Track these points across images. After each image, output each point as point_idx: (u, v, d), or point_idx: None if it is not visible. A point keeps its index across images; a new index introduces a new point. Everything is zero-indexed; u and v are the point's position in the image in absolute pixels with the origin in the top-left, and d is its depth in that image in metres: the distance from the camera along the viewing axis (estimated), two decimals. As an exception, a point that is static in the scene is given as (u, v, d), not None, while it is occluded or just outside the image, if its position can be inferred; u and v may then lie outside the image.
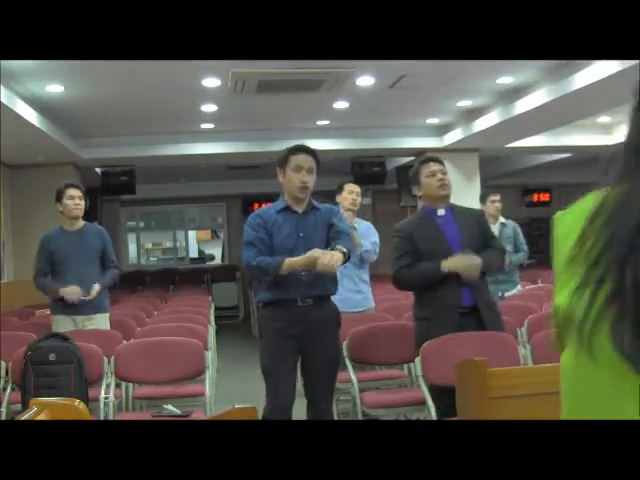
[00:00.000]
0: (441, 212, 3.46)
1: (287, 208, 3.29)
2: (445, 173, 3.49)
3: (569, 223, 0.85)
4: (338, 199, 4.78)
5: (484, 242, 3.46)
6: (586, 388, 0.78)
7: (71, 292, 4.46)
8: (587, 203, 0.84)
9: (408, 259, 3.39)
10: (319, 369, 3.27)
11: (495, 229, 5.19)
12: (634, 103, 0.85)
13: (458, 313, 3.33)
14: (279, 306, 3.21)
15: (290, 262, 3.14)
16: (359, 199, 4.83)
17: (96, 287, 4.53)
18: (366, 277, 4.83)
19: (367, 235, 4.78)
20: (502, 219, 5.74)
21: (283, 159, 3.30)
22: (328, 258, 3.02)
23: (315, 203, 3.37)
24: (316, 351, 3.22)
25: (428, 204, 3.53)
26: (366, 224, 4.98)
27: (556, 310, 0.81)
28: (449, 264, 3.27)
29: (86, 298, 4.49)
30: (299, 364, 3.34)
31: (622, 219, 0.75)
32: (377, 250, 4.83)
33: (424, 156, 3.71)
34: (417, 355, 3.42)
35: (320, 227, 3.27)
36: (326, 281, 3.23)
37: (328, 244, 3.22)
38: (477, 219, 3.52)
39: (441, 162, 3.53)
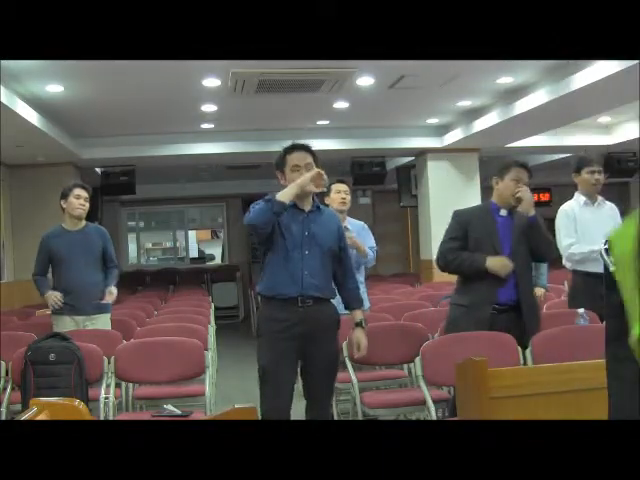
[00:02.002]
0: (503, 212, 3.62)
1: (294, 206, 3.24)
2: (526, 184, 3.56)
3: (623, 244, 0.83)
4: (327, 200, 4.50)
5: (529, 250, 3.58)
6: None
7: (49, 297, 4.52)
8: (633, 223, 0.81)
9: (456, 243, 3.55)
10: (319, 370, 3.26)
11: None
12: None
13: (492, 309, 3.45)
14: (279, 305, 3.20)
15: (285, 192, 3.10)
16: (348, 197, 4.56)
17: (113, 290, 4.61)
18: (362, 278, 4.68)
19: (363, 237, 4.63)
20: None
21: (280, 161, 3.28)
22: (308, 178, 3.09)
23: (317, 202, 3.37)
24: (315, 352, 3.21)
25: (495, 201, 3.65)
26: (359, 224, 4.75)
27: (635, 341, 0.79)
28: (492, 263, 3.41)
29: (103, 301, 4.56)
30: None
31: None
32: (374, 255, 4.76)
33: (520, 161, 3.74)
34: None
35: (325, 227, 3.25)
36: (328, 285, 3.24)
37: (335, 249, 3.26)
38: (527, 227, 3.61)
39: (530, 172, 3.62)
